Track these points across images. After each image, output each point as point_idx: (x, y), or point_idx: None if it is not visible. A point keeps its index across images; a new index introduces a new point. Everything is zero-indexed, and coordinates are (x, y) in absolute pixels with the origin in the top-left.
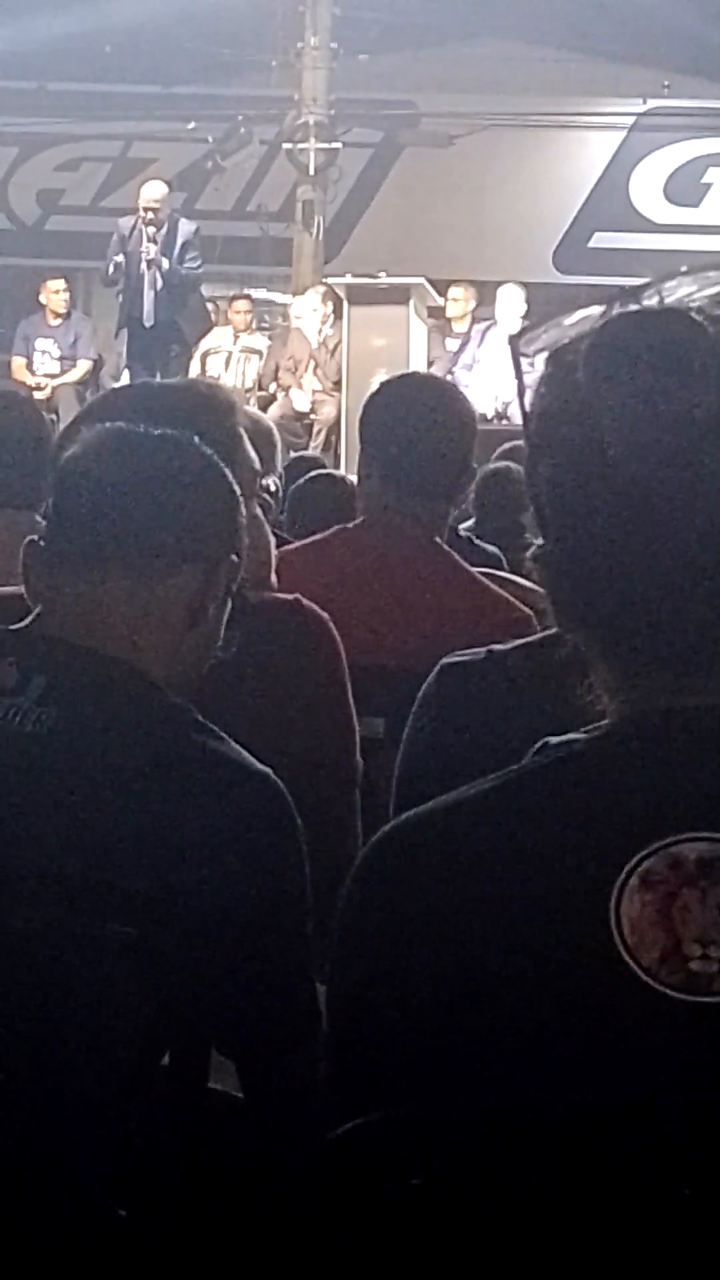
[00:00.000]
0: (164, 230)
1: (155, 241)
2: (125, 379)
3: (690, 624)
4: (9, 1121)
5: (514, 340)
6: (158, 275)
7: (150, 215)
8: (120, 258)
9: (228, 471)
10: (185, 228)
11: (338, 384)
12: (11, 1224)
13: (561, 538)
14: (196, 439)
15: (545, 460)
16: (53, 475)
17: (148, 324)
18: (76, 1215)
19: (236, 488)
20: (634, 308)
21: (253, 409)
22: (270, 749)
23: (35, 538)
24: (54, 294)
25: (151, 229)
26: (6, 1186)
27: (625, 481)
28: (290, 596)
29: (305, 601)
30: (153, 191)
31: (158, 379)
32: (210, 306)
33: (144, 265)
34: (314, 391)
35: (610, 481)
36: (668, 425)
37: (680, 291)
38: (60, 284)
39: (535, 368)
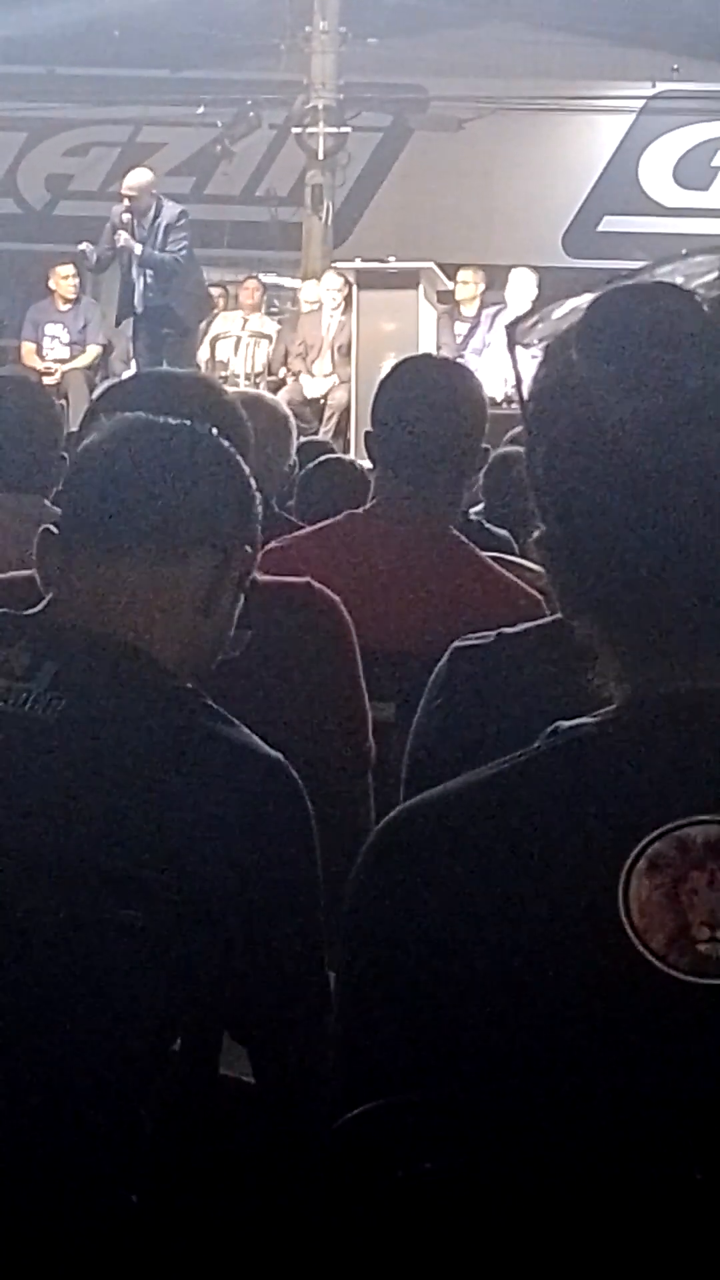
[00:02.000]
0: (148, 216)
1: (130, 229)
2: (134, 365)
3: (692, 605)
4: (20, 1107)
5: (510, 329)
6: (140, 260)
7: (127, 202)
8: (96, 246)
9: (243, 462)
10: (169, 211)
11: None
12: (22, 1210)
13: (561, 520)
14: (214, 430)
15: (542, 441)
16: (68, 463)
17: (139, 310)
18: (87, 1201)
19: (251, 479)
20: (625, 284)
21: (269, 396)
22: (282, 733)
23: (50, 525)
24: (63, 280)
25: (128, 215)
26: (18, 1172)
27: (620, 456)
28: (302, 580)
29: (316, 584)
30: (132, 179)
31: (163, 364)
32: (219, 291)
33: (121, 248)
34: (324, 375)
35: (605, 458)
36: (660, 396)
37: (678, 276)
38: (69, 270)
39: (535, 356)
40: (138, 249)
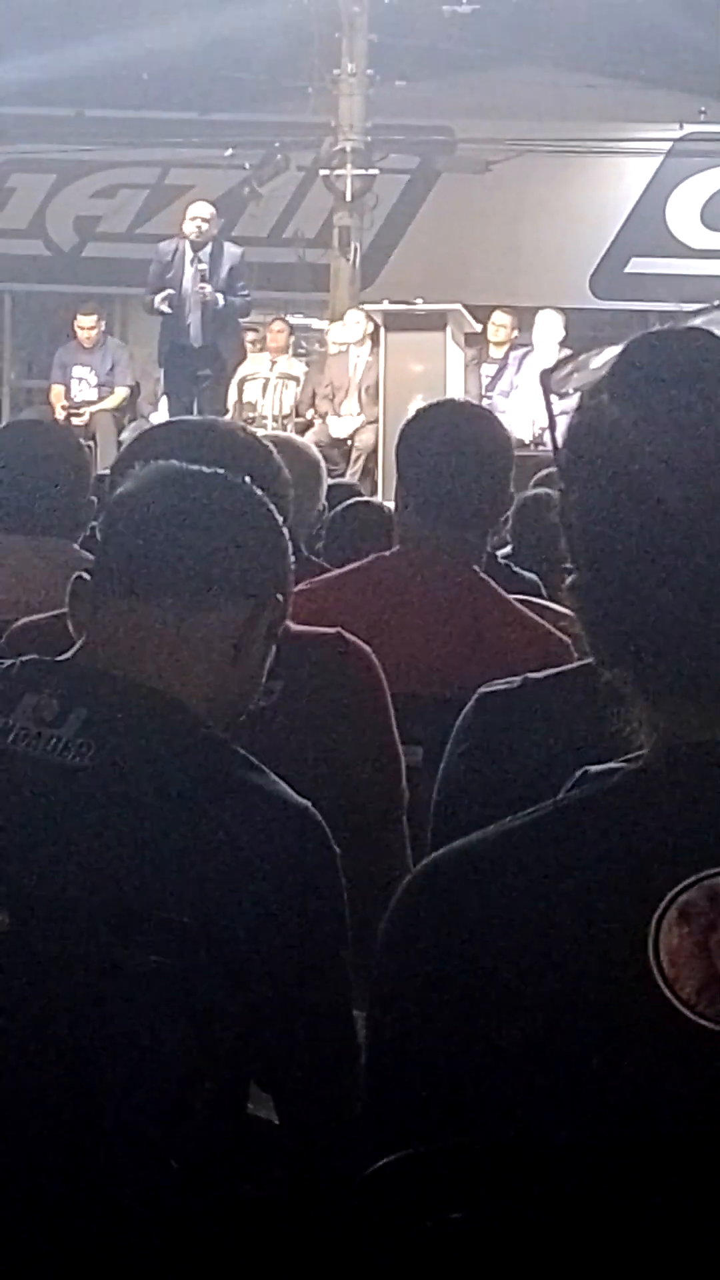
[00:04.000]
0: (208, 251)
1: (200, 266)
2: (163, 405)
3: None
4: (49, 1152)
5: (544, 376)
6: (204, 300)
7: (196, 234)
8: (168, 291)
9: (275, 511)
10: (232, 251)
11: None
12: (50, 1255)
13: (593, 566)
14: (247, 479)
15: (575, 487)
16: (97, 507)
17: (195, 345)
18: (115, 1247)
19: (284, 529)
20: (657, 329)
21: (300, 439)
22: (314, 783)
23: (82, 572)
24: (83, 330)
25: (194, 252)
26: (44, 1218)
27: (653, 501)
28: (333, 631)
29: (348, 635)
30: (200, 210)
31: (195, 406)
32: (251, 335)
33: (188, 288)
34: (351, 416)
35: (638, 502)
36: (693, 440)
37: (714, 325)
38: (90, 320)
39: (568, 403)
40: (209, 291)
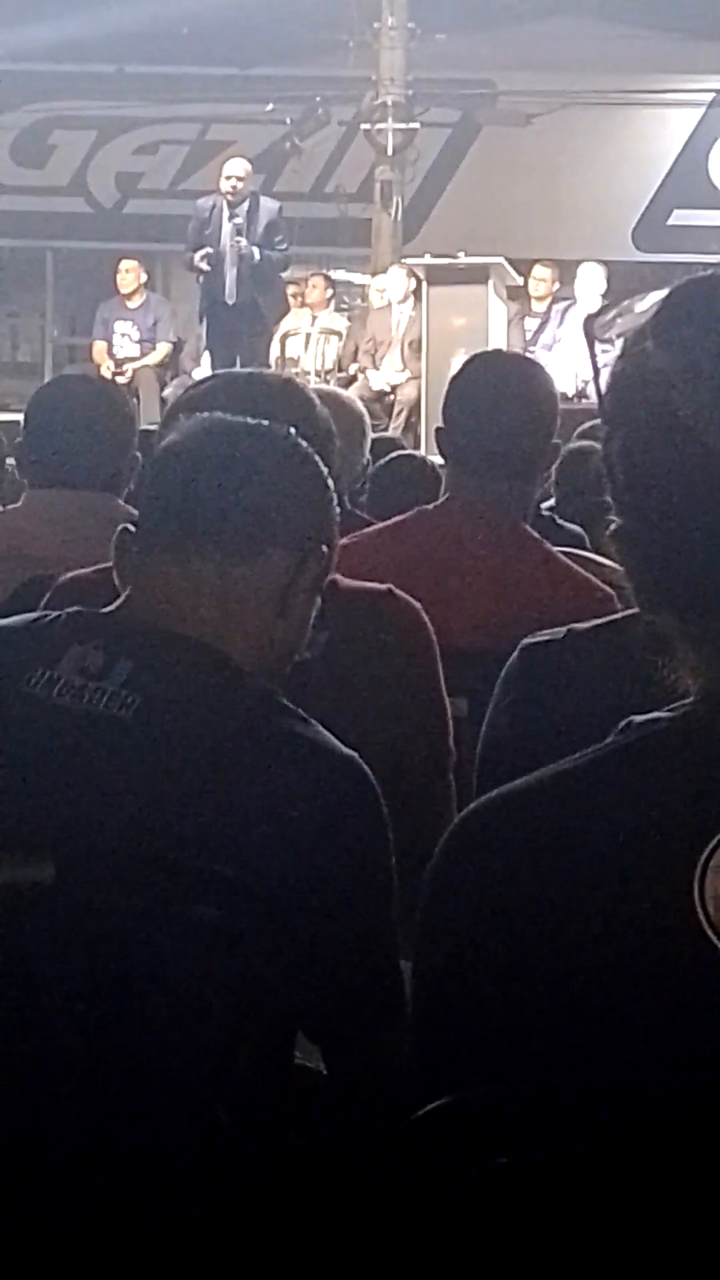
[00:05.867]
0: (245, 207)
1: (237, 220)
2: (205, 361)
3: None
4: (96, 1104)
5: (588, 323)
6: (239, 255)
7: (232, 192)
8: (206, 249)
9: (321, 463)
10: (269, 206)
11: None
12: (97, 1208)
13: (637, 513)
14: (292, 430)
15: (619, 433)
16: (146, 462)
17: (230, 302)
18: (163, 1199)
19: (330, 480)
20: (701, 275)
21: (345, 393)
22: (363, 735)
23: (128, 524)
24: (124, 274)
25: (231, 209)
26: (92, 1171)
27: (696, 447)
28: (384, 587)
29: (398, 592)
30: (235, 168)
31: (238, 362)
32: (293, 289)
33: (225, 244)
34: (394, 371)
35: (682, 448)
36: None
37: None
38: (131, 264)
39: (612, 350)
40: (244, 245)
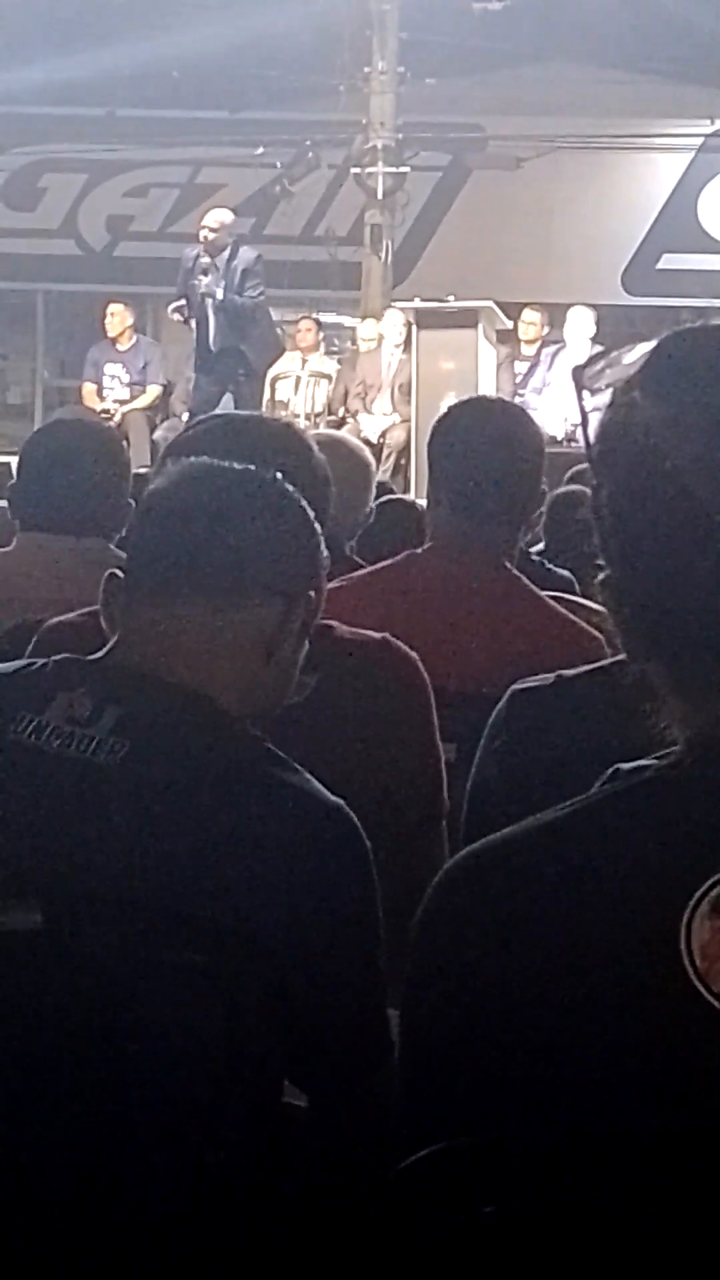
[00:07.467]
0: (224, 256)
1: (209, 273)
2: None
3: None
4: (86, 1148)
5: (577, 373)
6: (211, 303)
7: (204, 242)
8: (179, 302)
9: (308, 508)
10: (246, 255)
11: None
12: (86, 1250)
13: (625, 563)
14: (279, 475)
15: (606, 483)
16: (134, 507)
17: (214, 349)
18: (151, 1240)
19: (317, 525)
20: (689, 326)
21: (352, 440)
22: (354, 784)
23: (115, 570)
24: (111, 317)
25: (206, 259)
26: (84, 1211)
27: (684, 497)
28: (379, 635)
29: (395, 641)
30: (211, 218)
31: (222, 405)
32: (280, 331)
33: (200, 293)
34: (384, 414)
35: (670, 499)
36: None
37: None
38: (118, 307)
39: (600, 399)
40: (219, 294)
